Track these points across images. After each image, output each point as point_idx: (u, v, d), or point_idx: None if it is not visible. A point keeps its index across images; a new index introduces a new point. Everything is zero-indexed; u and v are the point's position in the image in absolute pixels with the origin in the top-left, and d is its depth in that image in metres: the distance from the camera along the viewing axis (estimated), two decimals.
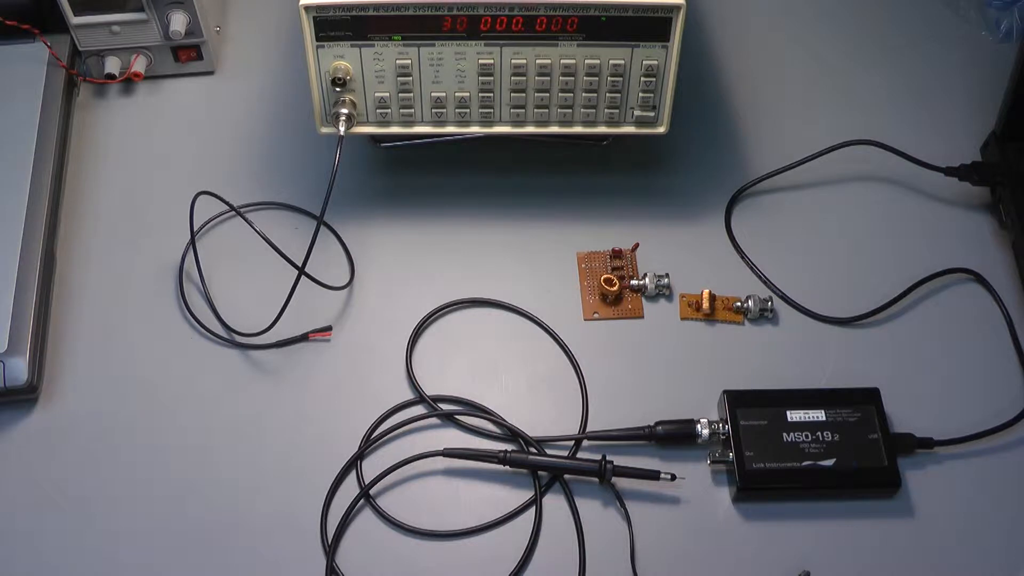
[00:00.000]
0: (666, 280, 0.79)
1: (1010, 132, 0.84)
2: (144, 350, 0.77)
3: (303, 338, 0.77)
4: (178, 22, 0.87)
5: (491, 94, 0.77)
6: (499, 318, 0.79)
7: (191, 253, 0.80)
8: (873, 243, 0.83)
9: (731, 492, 0.71)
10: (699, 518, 0.70)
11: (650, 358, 0.77)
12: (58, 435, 0.73)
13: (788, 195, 0.86)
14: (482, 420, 0.74)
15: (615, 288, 0.78)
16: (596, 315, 0.79)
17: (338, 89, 0.75)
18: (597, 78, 0.76)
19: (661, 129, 0.79)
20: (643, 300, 0.79)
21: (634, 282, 0.80)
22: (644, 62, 0.75)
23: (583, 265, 0.81)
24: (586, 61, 0.75)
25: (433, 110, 0.78)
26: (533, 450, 0.72)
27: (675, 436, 0.72)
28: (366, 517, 0.70)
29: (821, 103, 0.92)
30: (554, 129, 0.79)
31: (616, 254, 0.81)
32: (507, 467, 0.71)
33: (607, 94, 0.77)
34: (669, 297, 0.80)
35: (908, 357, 0.77)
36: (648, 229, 0.83)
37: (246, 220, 0.78)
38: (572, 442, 0.73)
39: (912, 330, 0.79)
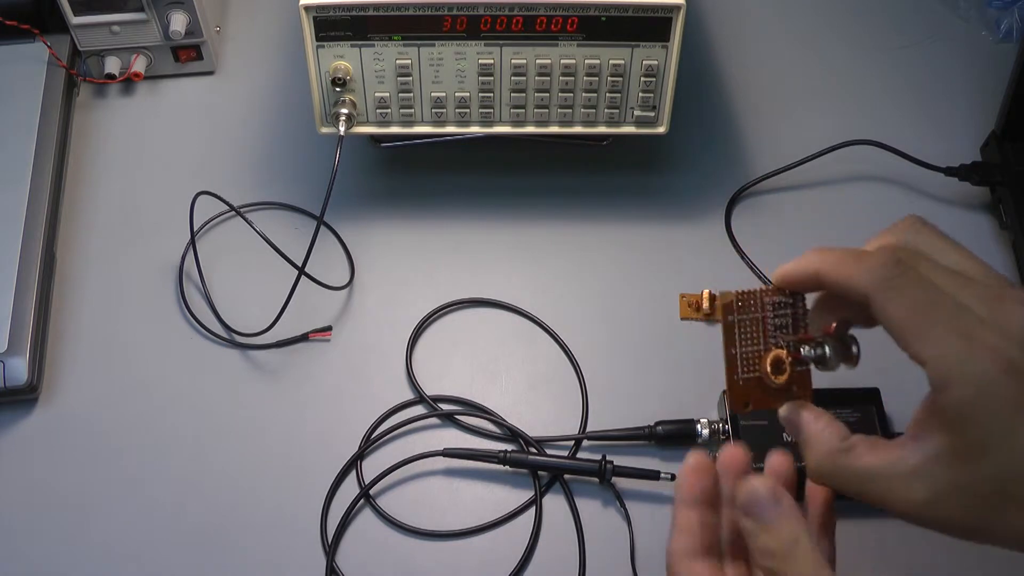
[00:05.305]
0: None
1: (1010, 132, 0.84)
2: (144, 350, 0.77)
3: (303, 338, 0.77)
4: (178, 22, 0.87)
5: (491, 94, 0.77)
6: (499, 318, 0.79)
7: (191, 253, 0.80)
8: None
9: None
10: None
11: (650, 358, 0.77)
12: (58, 435, 0.73)
13: (788, 195, 0.86)
14: (482, 420, 0.74)
15: (785, 376, 0.48)
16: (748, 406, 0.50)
17: (338, 89, 0.75)
18: (597, 78, 0.76)
19: (661, 129, 0.79)
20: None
21: (807, 350, 0.48)
22: (644, 62, 0.75)
23: (730, 318, 0.49)
24: (586, 61, 0.75)
25: (433, 110, 0.78)
26: (533, 450, 0.72)
27: (675, 436, 0.72)
28: (366, 517, 0.70)
29: (821, 103, 0.92)
30: (554, 129, 0.79)
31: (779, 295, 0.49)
32: (507, 467, 0.71)
33: (607, 94, 0.77)
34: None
35: (908, 357, 0.77)
36: (648, 229, 0.83)
37: (246, 220, 0.78)
38: (572, 442, 0.73)
39: None
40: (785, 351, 0.48)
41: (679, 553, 0.48)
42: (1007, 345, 0.40)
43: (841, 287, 0.44)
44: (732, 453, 0.50)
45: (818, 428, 0.47)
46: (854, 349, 0.48)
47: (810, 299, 0.49)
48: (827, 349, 0.47)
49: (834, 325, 0.48)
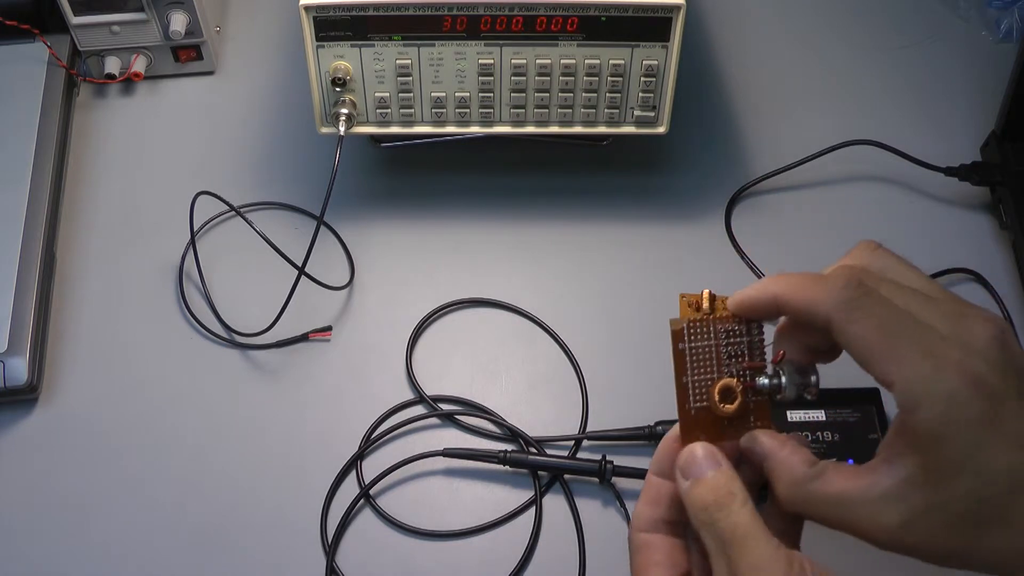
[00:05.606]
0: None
1: (1010, 132, 0.84)
2: (144, 350, 0.77)
3: (303, 338, 0.77)
4: (178, 22, 0.87)
5: (491, 94, 0.77)
6: (499, 318, 0.79)
7: (191, 253, 0.80)
8: None
9: None
10: None
11: (650, 358, 0.77)
12: (58, 435, 0.73)
13: (788, 195, 0.86)
14: (482, 420, 0.74)
15: (735, 406, 0.46)
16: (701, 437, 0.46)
17: (338, 89, 0.75)
18: (597, 78, 0.76)
19: (661, 129, 0.79)
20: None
21: (762, 380, 0.46)
22: (644, 62, 0.75)
23: (680, 346, 0.47)
24: (586, 61, 0.75)
25: (433, 110, 0.78)
26: (533, 450, 0.72)
27: None
28: (366, 517, 0.70)
29: (821, 103, 0.92)
30: (554, 129, 0.79)
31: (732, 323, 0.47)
32: (507, 467, 0.71)
33: (607, 94, 0.77)
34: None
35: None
36: (648, 229, 0.83)
37: (246, 220, 0.78)
38: (572, 442, 0.73)
39: None
40: (736, 380, 0.46)
41: (638, 521, 0.47)
42: (972, 360, 0.40)
43: (801, 311, 0.43)
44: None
45: (784, 455, 0.44)
46: (812, 378, 0.46)
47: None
48: (783, 379, 0.46)
49: (782, 353, 0.46)
